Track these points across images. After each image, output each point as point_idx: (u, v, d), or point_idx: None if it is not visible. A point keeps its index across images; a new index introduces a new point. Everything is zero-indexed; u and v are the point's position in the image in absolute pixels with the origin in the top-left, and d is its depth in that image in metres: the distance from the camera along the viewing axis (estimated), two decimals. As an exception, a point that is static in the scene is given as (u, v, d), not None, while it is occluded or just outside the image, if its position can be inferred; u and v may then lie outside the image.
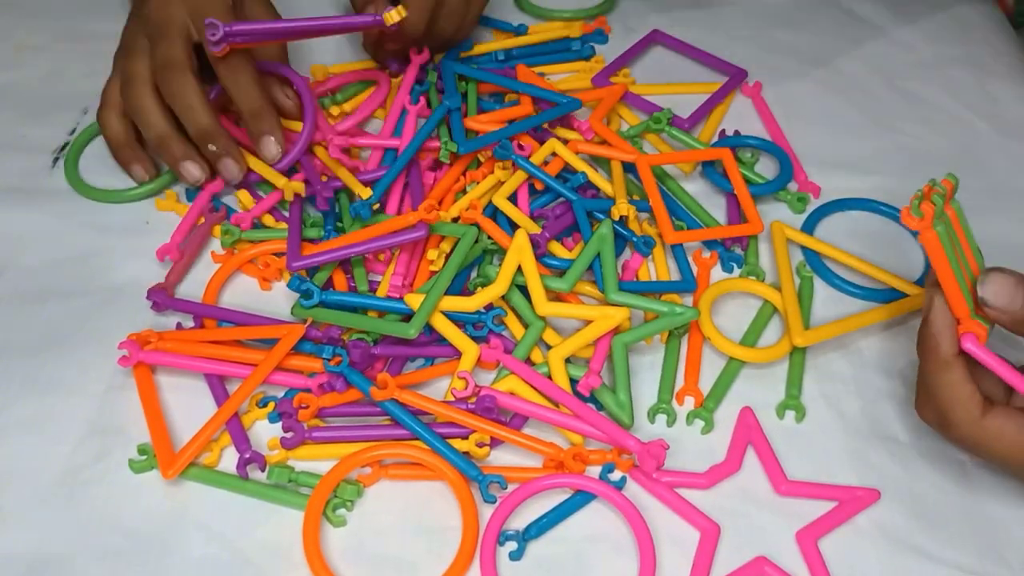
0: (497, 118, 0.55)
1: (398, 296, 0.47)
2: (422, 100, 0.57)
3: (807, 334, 0.47)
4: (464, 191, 0.53)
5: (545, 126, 0.55)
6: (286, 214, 0.53)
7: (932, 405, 0.40)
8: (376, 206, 0.51)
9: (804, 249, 0.52)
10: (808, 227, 0.54)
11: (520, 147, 0.53)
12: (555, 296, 0.48)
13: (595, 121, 0.56)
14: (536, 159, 0.53)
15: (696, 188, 0.56)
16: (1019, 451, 0.38)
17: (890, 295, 0.50)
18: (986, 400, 0.39)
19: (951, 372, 0.38)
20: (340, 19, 0.52)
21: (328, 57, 0.63)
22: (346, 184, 0.52)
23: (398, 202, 0.52)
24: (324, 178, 0.54)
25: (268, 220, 0.53)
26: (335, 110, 0.59)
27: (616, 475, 0.43)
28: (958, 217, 0.39)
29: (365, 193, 0.51)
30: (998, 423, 0.38)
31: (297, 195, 0.52)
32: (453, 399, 0.44)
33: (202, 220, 0.53)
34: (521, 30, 0.64)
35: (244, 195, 0.54)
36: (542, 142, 0.54)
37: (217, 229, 0.52)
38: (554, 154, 0.54)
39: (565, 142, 0.55)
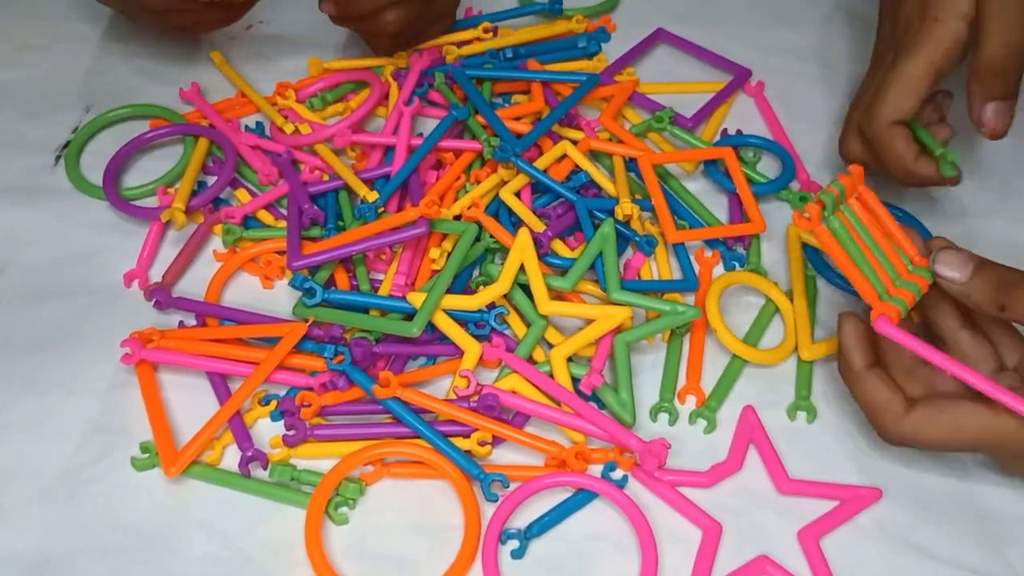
0: (510, 114, 0.56)
1: (400, 295, 0.47)
2: (416, 101, 0.57)
3: (814, 348, 0.47)
4: (465, 189, 0.53)
5: (554, 128, 0.56)
6: (283, 211, 0.53)
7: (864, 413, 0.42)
8: (382, 209, 0.51)
9: (805, 247, 0.52)
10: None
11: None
12: (557, 295, 0.48)
13: (607, 119, 0.57)
14: (546, 160, 0.53)
15: (698, 187, 0.56)
16: (949, 434, 0.40)
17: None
18: (908, 399, 0.41)
19: (866, 382, 0.41)
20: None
21: (327, 53, 0.63)
22: (348, 184, 0.52)
23: (397, 201, 0.53)
24: (325, 176, 0.54)
25: (268, 219, 0.53)
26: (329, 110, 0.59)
27: (618, 474, 0.43)
28: (868, 201, 0.42)
29: (371, 196, 0.51)
30: (920, 415, 0.40)
31: (293, 194, 0.52)
32: (455, 397, 0.44)
33: (201, 219, 0.52)
34: (556, 6, 0.64)
35: (243, 195, 0.54)
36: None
37: (218, 228, 0.52)
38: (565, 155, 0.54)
39: (573, 143, 0.55)
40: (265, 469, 0.43)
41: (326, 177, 0.54)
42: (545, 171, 0.53)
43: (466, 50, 0.62)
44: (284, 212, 0.53)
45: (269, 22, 0.67)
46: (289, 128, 0.56)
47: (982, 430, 0.39)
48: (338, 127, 0.55)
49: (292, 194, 0.52)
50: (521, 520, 0.42)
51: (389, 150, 0.55)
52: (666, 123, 0.56)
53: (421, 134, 0.55)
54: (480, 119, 0.55)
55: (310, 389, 0.45)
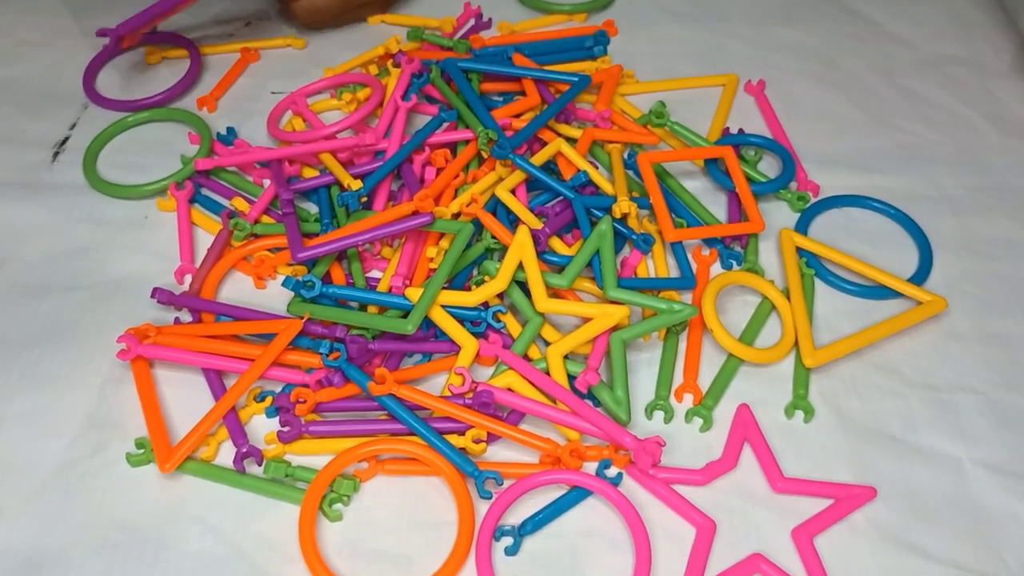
0: (508, 112, 0.56)
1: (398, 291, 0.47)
2: (413, 98, 0.57)
3: (817, 354, 0.47)
4: (464, 187, 0.53)
5: (551, 124, 0.56)
6: (277, 211, 0.53)
7: None
8: (364, 199, 0.51)
9: (799, 250, 0.52)
10: (803, 223, 0.54)
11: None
12: (553, 292, 0.48)
13: (603, 104, 0.57)
14: (540, 158, 0.53)
15: (696, 185, 0.56)
16: None
17: (884, 292, 0.51)
18: None
19: None
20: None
21: (326, 50, 0.63)
22: (336, 177, 0.53)
23: (385, 200, 0.53)
24: (317, 172, 0.54)
25: (264, 219, 0.53)
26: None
27: (612, 471, 0.43)
28: None
29: (355, 184, 0.51)
30: None
31: (289, 190, 0.52)
32: (450, 395, 0.44)
33: (221, 227, 0.52)
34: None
35: (240, 203, 0.54)
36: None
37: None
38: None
39: (572, 140, 0.55)
40: (260, 465, 0.43)
41: (317, 172, 0.54)
42: (545, 167, 0.53)
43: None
44: (279, 212, 0.53)
45: (268, 18, 0.68)
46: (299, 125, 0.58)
47: None
48: (325, 131, 0.55)
49: (277, 184, 0.52)
50: (515, 517, 0.42)
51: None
52: (666, 119, 0.56)
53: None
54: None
55: (305, 386, 0.45)
